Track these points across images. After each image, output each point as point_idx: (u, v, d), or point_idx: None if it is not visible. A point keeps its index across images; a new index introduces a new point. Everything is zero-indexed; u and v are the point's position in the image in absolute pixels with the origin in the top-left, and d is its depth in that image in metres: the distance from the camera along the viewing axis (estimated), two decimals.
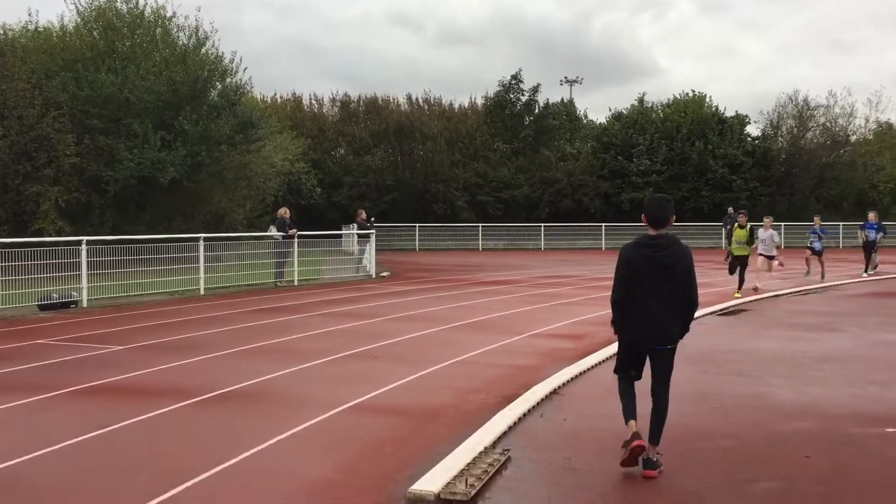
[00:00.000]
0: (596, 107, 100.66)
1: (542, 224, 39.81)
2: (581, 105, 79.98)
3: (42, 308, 14.13)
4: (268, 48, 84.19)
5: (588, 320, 12.77)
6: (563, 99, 50.27)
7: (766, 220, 18.11)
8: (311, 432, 6.20)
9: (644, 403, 5.39)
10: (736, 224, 17.40)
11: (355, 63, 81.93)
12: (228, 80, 25.93)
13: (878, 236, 21.51)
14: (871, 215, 21.88)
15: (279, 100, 45.43)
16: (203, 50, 25.70)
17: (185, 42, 25.73)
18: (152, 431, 6.27)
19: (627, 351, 5.43)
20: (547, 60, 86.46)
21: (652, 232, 5.24)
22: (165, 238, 17.53)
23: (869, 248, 21.52)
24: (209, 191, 25.94)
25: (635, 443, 5.09)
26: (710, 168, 40.63)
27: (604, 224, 38.92)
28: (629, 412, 5.34)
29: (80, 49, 24.17)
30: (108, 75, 23.12)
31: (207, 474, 5.11)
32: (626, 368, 5.45)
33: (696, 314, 13.38)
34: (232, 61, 26.10)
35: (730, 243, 17.69)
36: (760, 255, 17.58)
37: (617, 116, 44.94)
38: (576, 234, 39.12)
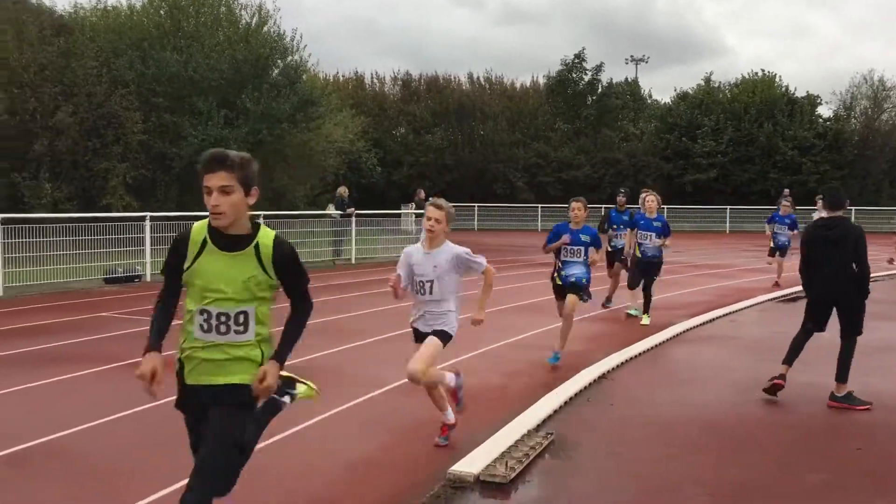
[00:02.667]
0: (660, 87, 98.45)
1: (603, 205, 39.27)
2: (645, 85, 78.47)
3: (107, 281, 14.56)
4: (329, 27, 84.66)
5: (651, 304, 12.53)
6: (626, 78, 49.37)
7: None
8: (356, 411, 6.24)
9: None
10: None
11: (417, 42, 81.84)
12: (289, 58, 26.24)
13: None
14: None
15: (341, 78, 45.70)
16: (265, 28, 26.02)
17: (248, 20, 26.08)
18: None
19: (809, 306, 6.71)
20: (610, 39, 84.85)
21: (825, 214, 6.67)
22: None
23: None
24: (270, 168, 26.30)
25: (777, 381, 6.49)
26: (778, 150, 39.45)
27: (666, 207, 38.16)
28: (789, 358, 6.61)
29: (146, 28, 24.71)
30: (174, 54, 23.59)
31: (257, 446, 5.18)
32: (806, 321, 6.71)
33: (756, 300, 13.01)
34: (293, 39, 26.40)
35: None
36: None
37: (682, 96, 43.93)
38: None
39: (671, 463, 5.07)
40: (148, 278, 15.24)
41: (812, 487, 4.69)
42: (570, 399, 6.54)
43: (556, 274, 8.25)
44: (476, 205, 38.99)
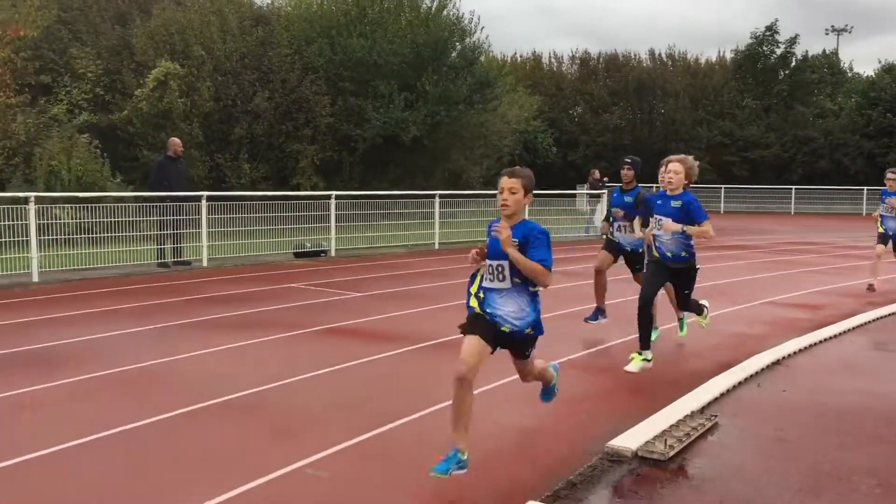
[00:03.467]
0: (863, 58, 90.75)
1: (793, 186, 37.05)
2: (846, 57, 72.80)
3: (297, 255, 15.64)
4: (508, 7, 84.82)
5: (831, 290, 11.89)
6: (824, 50, 46.09)
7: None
8: (521, 385, 6.43)
9: None
10: None
11: (595, 20, 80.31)
12: (467, 40, 26.67)
13: None
14: None
15: (519, 59, 45.82)
16: (444, 12, 26.59)
17: (429, 5, 26.74)
18: (376, 371, 6.85)
19: None
20: (806, 8, 79.29)
21: None
22: (404, 194, 18.58)
23: None
24: (447, 149, 26.98)
25: None
26: None
27: (866, 187, 35.42)
28: None
29: (334, 15, 26.00)
30: (360, 40, 24.68)
31: (419, 414, 5.53)
32: None
33: None
34: (471, 21, 26.82)
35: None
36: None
37: (888, 69, 40.42)
38: (832, 197, 35.97)
39: (842, 452, 4.89)
40: (333, 253, 16.21)
41: None
42: (740, 383, 6.40)
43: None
44: (653, 185, 37.95)
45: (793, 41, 41.59)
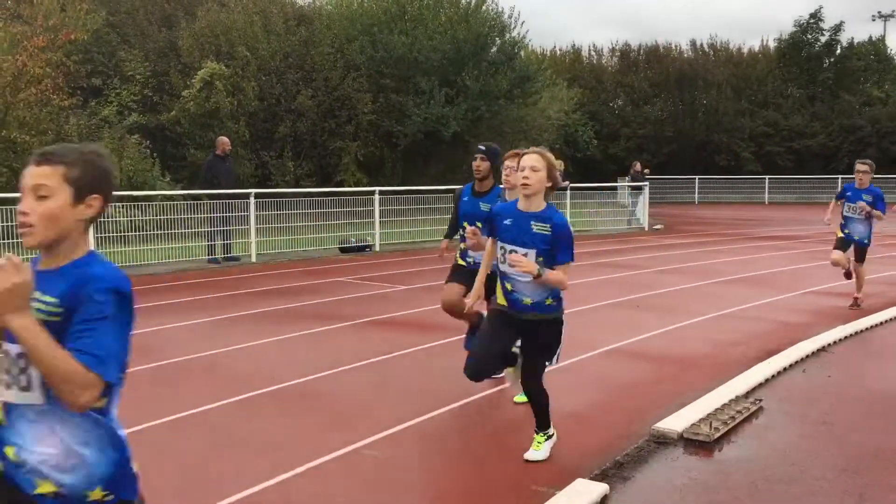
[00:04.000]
0: None
1: (840, 176, 36.38)
2: (893, 43, 71.15)
3: (342, 251, 15.91)
4: (546, 1, 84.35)
5: (877, 279, 11.79)
6: (871, 37, 45.10)
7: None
8: (569, 373, 6.57)
9: None
10: None
11: (636, 9, 79.48)
12: (507, 35, 26.72)
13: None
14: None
15: (558, 52, 45.67)
16: (484, 7, 26.68)
17: (468, 1, 26.85)
18: (420, 360, 7.04)
19: None
20: None
21: None
22: (445, 189, 18.75)
23: None
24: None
25: None
26: None
27: None
28: None
29: (375, 13, 26.24)
30: (400, 37, 24.89)
31: (462, 402, 5.69)
32: None
33: None
34: (510, 17, 26.86)
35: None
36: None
37: None
38: (880, 185, 35.21)
39: (886, 435, 4.95)
40: (377, 248, 16.45)
41: None
42: (785, 369, 6.46)
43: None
44: (697, 177, 37.65)
45: (837, 28, 40.85)
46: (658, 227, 22.15)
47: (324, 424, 5.27)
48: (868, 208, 9.25)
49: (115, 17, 23.74)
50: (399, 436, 5.00)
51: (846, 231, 9.52)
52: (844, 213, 9.55)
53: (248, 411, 5.53)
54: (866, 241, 9.47)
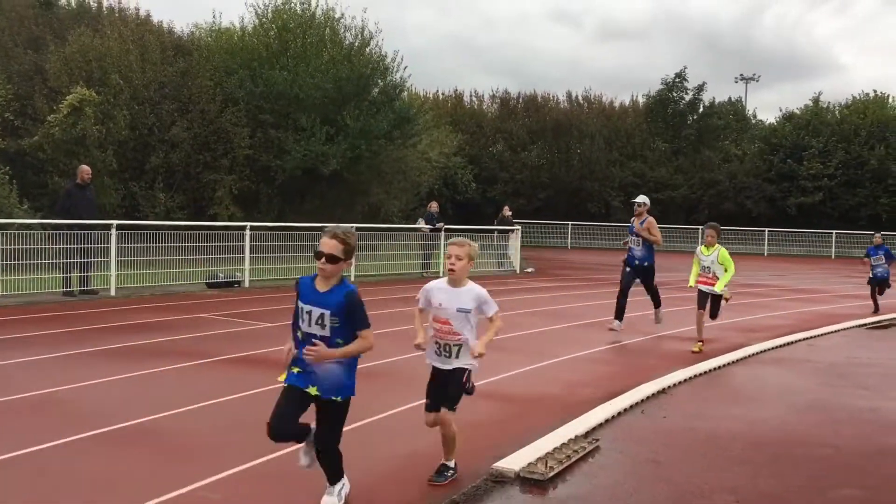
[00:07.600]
0: (766, 106, 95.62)
1: (700, 227, 38.59)
2: (754, 104, 76.63)
3: (209, 286, 15.55)
4: (432, 44, 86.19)
5: (726, 325, 12.54)
6: (730, 98, 48.43)
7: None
8: (416, 413, 6.66)
9: None
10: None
11: (516, 60, 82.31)
12: (389, 77, 27.11)
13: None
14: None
15: (441, 96, 46.59)
16: (367, 49, 27.01)
17: (352, 41, 27.13)
18: (273, 400, 6.96)
19: None
20: (715, 57, 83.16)
21: None
22: (321, 227, 18.67)
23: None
24: (367, 183, 27.21)
25: None
26: (891, 174, 37.89)
27: (767, 229, 37.25)
28: None
29: (256, 48, 26.08)
30: (281, 73, 24.81)
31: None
32: None
33: (843, 326, 12.73)
34: (393, 60, 27.30)
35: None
36: None
37: (788, 117, 42.77)
38: (736, 237, 37.61)
39: (708, 473, 5.28)
40: (246, 284, 16.17)
41: (843, 501, 4.81)
42: (625, 410, 6.79)
43: None
44: (570, 223, 39.04)
45: (700, 88, 43.62)
46: (529, 270, 22.78)
47: (163, 464, 5.14)
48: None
49: None
50: (243, 475, 4.94)
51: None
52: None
53: (86, 450, 5.33)
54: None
